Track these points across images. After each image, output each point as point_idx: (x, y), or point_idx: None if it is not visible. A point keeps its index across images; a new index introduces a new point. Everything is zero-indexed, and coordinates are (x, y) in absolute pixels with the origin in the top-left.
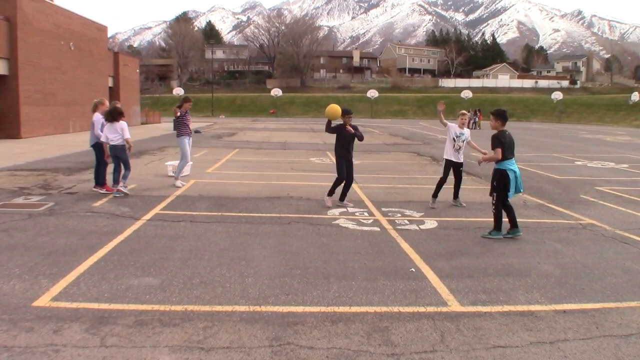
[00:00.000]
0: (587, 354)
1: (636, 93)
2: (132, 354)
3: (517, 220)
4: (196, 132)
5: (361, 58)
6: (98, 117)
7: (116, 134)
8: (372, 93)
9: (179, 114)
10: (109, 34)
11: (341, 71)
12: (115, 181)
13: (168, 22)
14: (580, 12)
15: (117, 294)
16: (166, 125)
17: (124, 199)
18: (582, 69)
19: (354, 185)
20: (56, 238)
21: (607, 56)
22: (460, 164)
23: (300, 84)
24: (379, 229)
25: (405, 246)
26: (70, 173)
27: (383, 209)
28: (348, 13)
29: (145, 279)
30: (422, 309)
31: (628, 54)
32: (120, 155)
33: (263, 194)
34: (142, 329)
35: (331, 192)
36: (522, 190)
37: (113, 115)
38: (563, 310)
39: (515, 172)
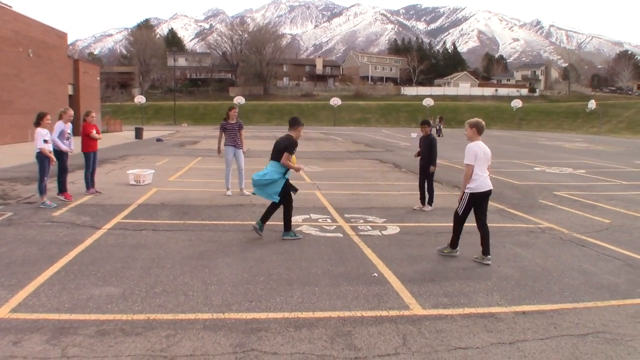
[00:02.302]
0: (546, 353)
1: (593, 101)
2: None
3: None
4: (158, 140)
5: (324, 66)
6: (59, 125)
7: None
8: (335, 101)
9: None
10: (69, 41)
11: (304, 79)
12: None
13: (129, 30)
14: (539, 22)
15: (78, 304)
16: (128, 134)
17: (85, 208)
18: (541, 77)
19: (316, 192)
20: (15, 249)
21: (564, 65)
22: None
23: (263, 91)
24: (341, 235)
25: (368, 252)
26: (29, 182)
27: (346, 215)
28: (311, 21)
29: (106, 288)
30: (384, 313)
31: (585, 63)
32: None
33: (226, 202)
34: (104, 338)
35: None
36: (254, 192)
37: (36, 120)
38: (522, 311)
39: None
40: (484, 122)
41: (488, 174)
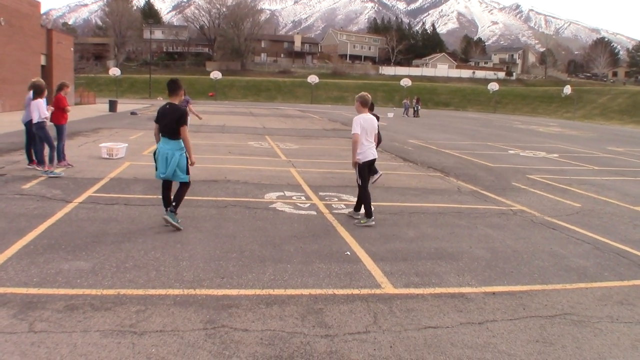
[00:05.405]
0: (514, 333)
1: (568, 86)
2: (61, 339)
3: (452, 205)
4: (132, 113)
5: (302, 43)
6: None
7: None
8: (313, 78)
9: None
10: (43, 10)
11: (282, 56)
12: (49, 161)
13: (105, 0)
14: (518, 6)
15: (46, 279)
16: (101, 107)
17: (56, 181)
18: (518, 61)
19: (291, 169)
20: None
21: (542, 50)
22: None
23: (240, 67)
24: (315, 213)
25: (341, 230)
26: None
27: (320, 193)
28: None
29: (76, 262)
30: (356, 291)
31: (562, 49)
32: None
33: (200, 177)
34: (72, 313)
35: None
36: (163, 174)
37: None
38: (492, 292)
39: (159, 149)
40: (369, 96)
41: (374, 144)
